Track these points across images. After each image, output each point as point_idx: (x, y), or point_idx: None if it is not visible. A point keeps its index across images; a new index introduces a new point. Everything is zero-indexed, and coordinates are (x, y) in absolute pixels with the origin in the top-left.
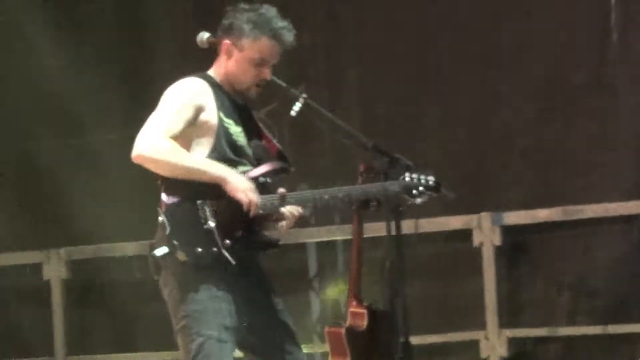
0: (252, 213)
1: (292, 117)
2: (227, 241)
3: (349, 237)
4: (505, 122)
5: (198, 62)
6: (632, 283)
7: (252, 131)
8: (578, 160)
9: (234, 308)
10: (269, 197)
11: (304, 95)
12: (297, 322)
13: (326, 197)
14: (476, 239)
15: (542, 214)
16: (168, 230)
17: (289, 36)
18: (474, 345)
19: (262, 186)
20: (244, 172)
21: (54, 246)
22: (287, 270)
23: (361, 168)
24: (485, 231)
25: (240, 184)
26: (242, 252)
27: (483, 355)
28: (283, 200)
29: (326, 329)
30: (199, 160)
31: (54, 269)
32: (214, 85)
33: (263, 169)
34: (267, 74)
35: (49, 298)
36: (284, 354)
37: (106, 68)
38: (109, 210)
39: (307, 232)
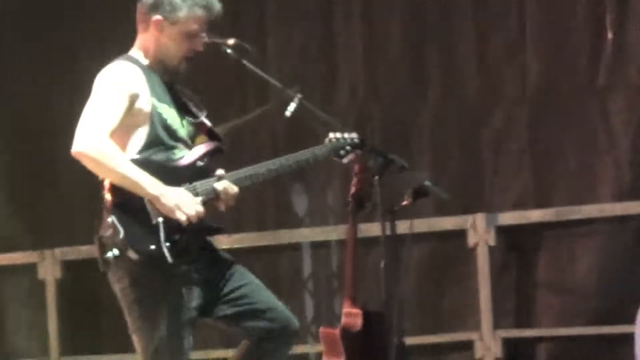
0: (192, 222)
1: (287, 118)
2: (176, 235)
3: (344, 237)
4: (499, 123)
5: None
6: (626, 284)
7: (183, 111)
8: (571, 161)
9: (191, 299)
10: (206, 182)
11: (299, 96)
12: None
13: (262, 171)
14: (471, 240)
15: (536, 215)
16: (121, 232)
17: (217, 4)
18: (468, 345)
19: (200, 170)
20: (181, 159)
21: (48, 246)
22: (281, 270)
23: (356, 169)
24: (480, 232)
25: (172, 202)
26: (191, 241)
27: (477, 355)
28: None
29: (321, 329)
30: (134, 172)
31: (49, 268)
32: (143, 68)
33: (198, 152)
34: (200, 45)
35: (44, 298)
36: (265, 312)
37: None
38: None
39: (301, 233)
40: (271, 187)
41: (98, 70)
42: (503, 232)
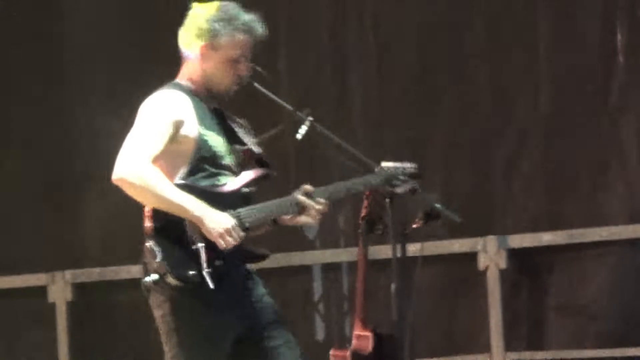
0: (231, 247)
1: (298, 141)
2: (217, 262)
3: (354, 259)
4: (511, 145)
5: None
6: (638, 306)
7: (231, 138)
8: (583, 183)
9: (228, 328)
10: (250, 208)
11: (310, 118)
12: (302, 344)
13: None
14: (482, 262)
15: (548, 237)
16: (159, 257)
17: (259, 28)
18: None
19: (245, 197)
20: (226, 184)
21: (59, 268)
22: (292, 292)
23: (366, 191)
24: (491, 254)
25: (216, 226)
26: (233, 268)
27: None
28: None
29: (331, 351)
30: (177, 194)
31: (59, 291)
32: (190, 95)
33: (244, 179)
34: (244, 69)
35: (54, 320)
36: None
37: None
38: (114, 231)
39: (312, 255)
40: None
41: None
42: (514, 254)
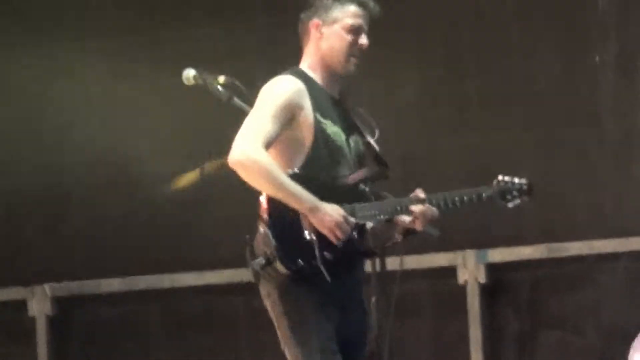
0: (341, 240)
1: None
2: (327, 253)
3: None
4: (490, 161)
5: None
6: (618, 321)
7: (349, 129)
8: (563, 198)
9: (334, 318)
10: (365, 206)
11: None
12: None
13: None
14: (461, 277)
15: (527, 252)
16: (272, 243)
17: (373, 4)
18: None
19: (360, 193)
20: (344, 176)
21: (38, 282)
22: (262, 344)
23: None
24: (470, 269)
25: (325, 218)
26: (342, 261)
27: None
28: (394, 210)
29: None
30: (290, 184)
31: (39, 305)
32: (309, 81)
33: (361, 174)
34: (364, 40)
35: (34, 334)
36: None
37: None
38: (95, 245)
39: None
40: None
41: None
42: (493, 268)
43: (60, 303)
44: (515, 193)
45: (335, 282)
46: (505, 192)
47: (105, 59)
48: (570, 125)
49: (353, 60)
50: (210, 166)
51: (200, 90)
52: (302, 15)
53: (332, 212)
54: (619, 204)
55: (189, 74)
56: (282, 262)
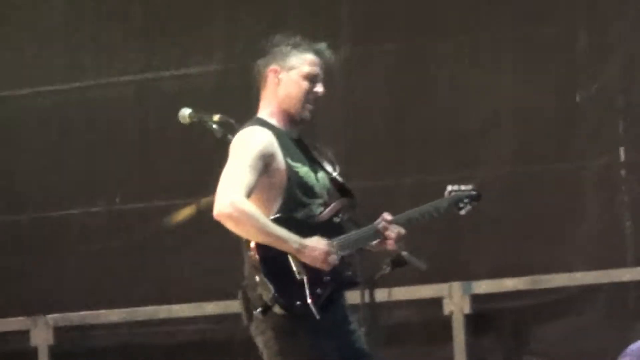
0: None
1: None
2: (319, 290)
3: None
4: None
5: None
6: (599, 349)
7: (315, 166)
8: (546, 230)
9: (326, 352)
10: (343, 237)
11: None
12: None
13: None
14: (447, 308)
15: (511, 283)
16: (271, 289)
17: (329, 53)
18: None
19: (337, 226)
20: (319, 214)
21: (41, 312)
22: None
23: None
24: (456, 300)
25: (313, 254)
26: (333, 294)
27: None
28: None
29: None
30: (276, 229)
31: (41, 335)
32: (273, 129)
33: (334, 208)
34: (320, 88)
35: None
36: None
37: None
38: (95, 278)
39: None
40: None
41: None
42: (478, 299)
43: (62, 333)
44: (466, 200)
45: (326, 315)
46: (457, 201)
47: None
48: (553, 159)
49: (308, 107)
50: (206, 202)
51: (197, 127)
52: (259, 62)
53: (317, 244)
54: (600, 237)
55: (185, 112)
56: (281, 305)
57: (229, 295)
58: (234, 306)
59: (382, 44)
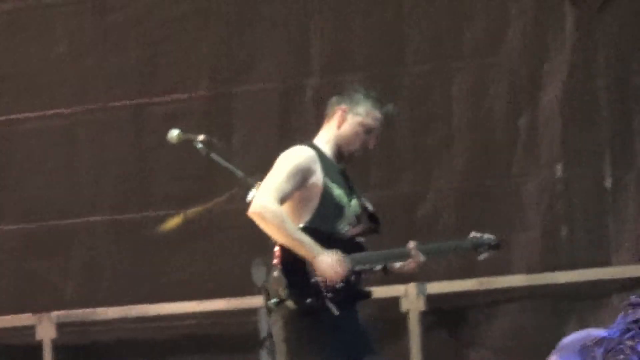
0: (336, 281)
1: (248, 202)
2: (329, 294)
3: None
4: (429, 207)
5: None
6: (536, 344)
7: (350, 193)
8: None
9: (334, 350)
10: (362, 255)
11: (259, 183)
12: None
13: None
14: (404, 306)
15: (461, 285)
16: (284, 285)
17: (392, 111)
18: None
19: (358, 245)
20: (344, 232)
21: (45, 310)
22: (239, 330)
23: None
24: (412, 299)
25: (323, 265)
26: (341, 302)
27: None
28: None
29: None
30: (300, 235)
31: (45, 330)
32: (320, 152)
33: (358, 229)
34: (372, 142)
35: (42, 357)
36: None
37: None
38: (94, 277)
39: (258, 299)
40: (231, 258)
41: None
42: (432, 299)
43: (64, 328)
44: (485, 247)
45: (336, 319)
46: (478, 246)
47: None
48: (499, 175)
49: (357, 152)
50: (192, 212)
51: (184, 146)
52: (335, 98)
53: (330, 257)
54: (539, 244)
55: (173, 133)
56: (292, 300)
57: (217, 295)
58: (223, 304)
59: (349, 74)
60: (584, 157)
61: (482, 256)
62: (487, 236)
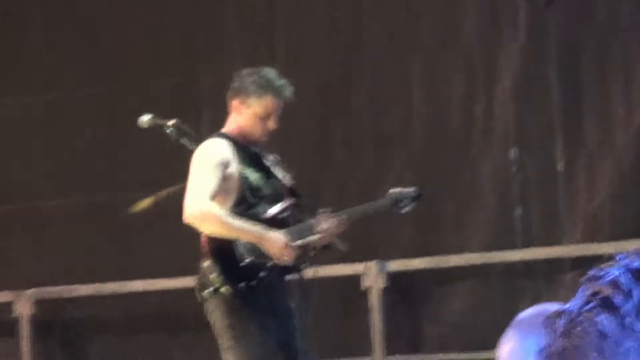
0: (285, 262)
1: None
2: (262, 273)
3: None
4: (390, 185)
5: None
6: (491, 319)
7: (267, 174)
8: (449, 218)
9: (269, 328)
10: (298, 227)
11: None
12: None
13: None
14: (365, 283)
15: (418, 263)
16: (216, 273)
17: (288, 92)
18: None
19: (281, 222)
20: (264, 213)
21: (22, 287)
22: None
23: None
24: (372, 276)
25: (274, 243)
26: (275, 279)
27: None
28: (310, 230)
29: None
30: (239, 224)
31: (23, 306)
32: (231, 141)
33: (279, 207)
34: (272, 124)
35: (19, 331)
36: None
37: None
38: (69, 256)
39: None
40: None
41: None
42: (392, 276)
43: (40, 305)
44: (406, 200)
45: (269, 297)
46: (398, 201)
47: None
48: (456, 159)
49: (263, 137)
50: (162, 194)
51: (155, 132)
52: (229, 91)
53: (278, 238)
54: (494, 224)
55: (144, 118)
56: (228, 285)
57: (184, 273)
58: (188, 282)
59: (311, 65)
60: (537, 140)
61: (405, 209)
62: (406, 189)
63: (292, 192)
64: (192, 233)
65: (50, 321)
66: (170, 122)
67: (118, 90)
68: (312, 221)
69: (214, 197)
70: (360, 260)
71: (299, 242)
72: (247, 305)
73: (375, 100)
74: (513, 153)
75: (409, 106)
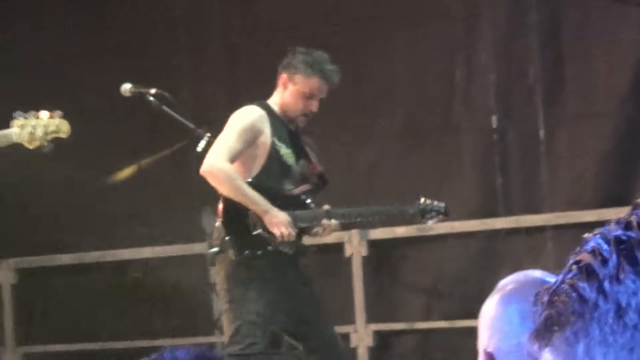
0: (285, 240)
1: (198, 152)
2: (269, 246)
3: None
4: (371, 158)
5: None
6: (473, 287)
7: (299, 153)
8: (431, 187)
9: (270, 298)
10: (305, 212)
11: (208, 135)
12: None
13: (355, 214)
14: (347, 251)
15: (401, 231)
16: (224, 234)
17: (335, 78)
18: (345, 337)
19: (301, 202)
20: (289, 189)
21: (4, 256)
22: (191, 275)
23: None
24: (354, 245)
25: (275, 219)
26: (281, 254)
27: (353, 345)
28: (322, 216)
29: None
30: (248, 191)
31: (5, 275)
32: (271, 113)
33: (303, 188)
34: (314, 106)
35: (2, 301)
36: (324, 337)
37: None
38: (50, 226)
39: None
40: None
41: None
42: (374, 244)
43: (23, 274)
44: (434, 214)
45: (279, 269)
46: (425, 212)
47: None
48: (437, 126)
49: (302, 118)
50: (144, 163)
51: (137, 99)
52: (281, 63)
53: (281, 216)
54: (476, 192)
55: (126, 87)
56: (232, 250)
57: (169, 241)
58: (175, 250)
59: (293, 32)
60: (517, 109)
61: (430, 222)
62: (437, 203)
63: (320, 176)
64: (176, 201)
65: (33, 290)
66: (152, 91)
67: (99, 60)
68: (320, 211)
69: (233, 159)
70: (343, 229)
71: (302, 225)
72: (249, 272)
73: (357, 69)
74: (494, 121)
75: (390, 75)
